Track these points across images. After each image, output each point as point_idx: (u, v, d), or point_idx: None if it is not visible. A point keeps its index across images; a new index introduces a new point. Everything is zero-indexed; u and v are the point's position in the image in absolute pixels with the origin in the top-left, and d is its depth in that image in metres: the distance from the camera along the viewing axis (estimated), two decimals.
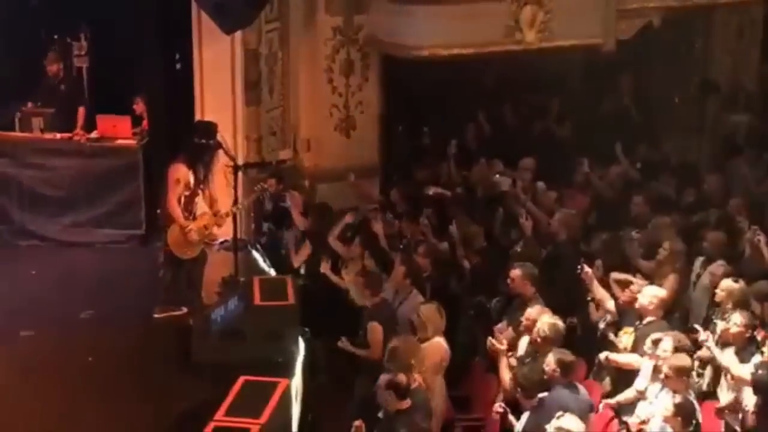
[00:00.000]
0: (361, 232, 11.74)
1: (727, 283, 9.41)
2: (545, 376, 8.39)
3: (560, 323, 8.95)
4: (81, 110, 13.23)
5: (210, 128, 11.06)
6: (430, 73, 14.08)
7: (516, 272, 9.89)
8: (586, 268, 9.80)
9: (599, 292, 9.78)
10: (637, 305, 9.38)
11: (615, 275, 10.03)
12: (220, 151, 10.99)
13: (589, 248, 10.78)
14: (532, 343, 8.99)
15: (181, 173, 10.73)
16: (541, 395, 8.20)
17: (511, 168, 13.12)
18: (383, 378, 8.11)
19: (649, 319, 9.24)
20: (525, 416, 8.21)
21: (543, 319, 8.94)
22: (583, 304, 9.98)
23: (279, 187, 12.41)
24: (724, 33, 15.60)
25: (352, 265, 10.94)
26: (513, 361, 8.99)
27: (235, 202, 11.07)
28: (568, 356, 8.53)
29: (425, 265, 10.68)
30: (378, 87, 13.68)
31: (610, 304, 9.70)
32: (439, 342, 9.05)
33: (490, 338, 9.23)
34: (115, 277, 11.89)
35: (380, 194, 13.30)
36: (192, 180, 10.77)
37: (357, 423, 7.82)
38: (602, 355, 9.33)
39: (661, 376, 8.43)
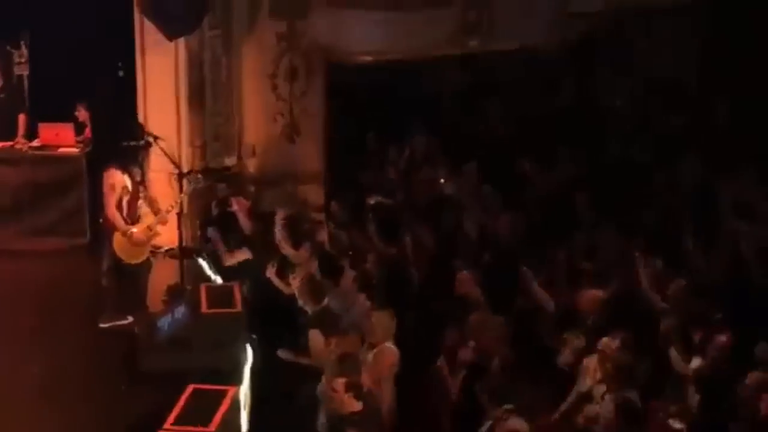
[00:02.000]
0: (309, 238, 11.76)
1: (678, 281, 9.53)
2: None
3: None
4: (21, 118, 13.13)
5: (136, 129, 11.04)
6: (374, 79, 14.11)
7: (464, 275, 9.92)
8: (525, 269, 9.87)
9: (539, 293, 9.84)
10: (580, 307, 9.44)
11: None
12: (162, 156, 10.96)
13: (535, 251, 10.86)
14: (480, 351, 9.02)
15: (115, 179, 10.71)
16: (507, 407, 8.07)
17: (455, 173, 13.19)
18: (340, 381, 8.11)
19: (593, 319, 9.30)
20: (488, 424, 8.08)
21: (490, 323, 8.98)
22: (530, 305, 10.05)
23: (229, 191, 12.42)
24: (665, 34, 15.78)
25: (299, 270, 10.92)
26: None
27: (180, 204, 11.03)
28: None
29: (374, 272, 10.70)
30: (322, 93, 13.63)
31: (550, 306, 9.77)
32: (390, 347, 9.05)
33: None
34: (60, 286, 11.79)
35: (325, 200, 13.33)
36: (129, 183, 10.72)
37: None
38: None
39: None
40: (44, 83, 13.52)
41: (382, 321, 9.14)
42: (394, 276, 10.86)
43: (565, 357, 9.30)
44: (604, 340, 8.76)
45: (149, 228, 10.82)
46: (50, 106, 13.22)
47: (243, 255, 11.50)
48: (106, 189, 10.74)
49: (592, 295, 9.42)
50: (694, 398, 8.52)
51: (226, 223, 12.39)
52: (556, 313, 9.74)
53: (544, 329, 9.76)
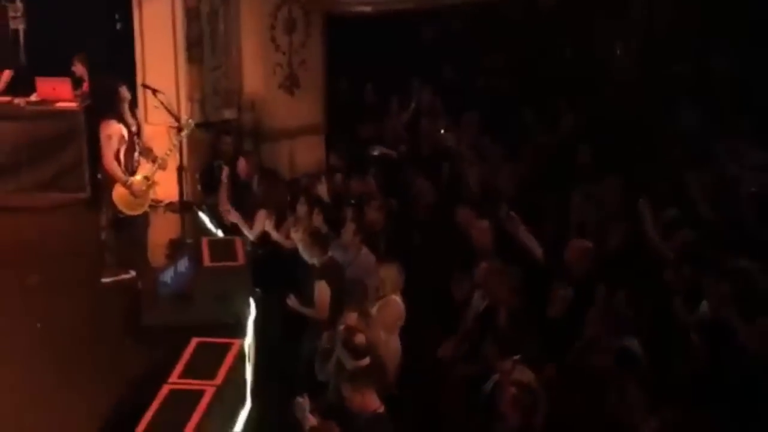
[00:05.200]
0: (307, 192, 11.74)
1: (685, 231, 9.51)
2: None
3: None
4: (6, 73, 13.05)
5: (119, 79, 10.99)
6: (373, 30, 14.02)
7: (482, 224, 9.86)
8: (513, 214, 9.83)
9: (527, 238, 9.79)
10: (565, 258, 9.41)
11: None
12: (161, 110, 10.88)
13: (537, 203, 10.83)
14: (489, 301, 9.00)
15: (112, 129, 10.59)
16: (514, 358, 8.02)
17: (455, 124, 13.15)
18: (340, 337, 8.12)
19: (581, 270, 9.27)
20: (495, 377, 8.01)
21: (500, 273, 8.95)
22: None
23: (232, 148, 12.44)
24: None
25: (300, 224, 10.90)
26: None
27: (180, 160, 10.97)
28: None
29: (378, 220, 10.67)
30: (321, 44, 13.55)
31: (538, 252, 9.74)
32: (396, 300, 9.05)
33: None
34: (61, 241, 11.73)
35: (325, 152, 13.30)
36: (126, 133, 10.64)
37: (300, 400, 7.76)
38: None
39: None
40: (41, 37, 13.41)
41: (391, 274, 9.14)
42: (396, 228, 10.85)
43: (554, 308, 9.29)
44: (604, 290, 8.76)
45: (147, 178, 10.74)
46: (47, 61, 13.12)
47: (262, 222, 11.44)
48: (103, 140, 10.64)
49: (579, 246, 9.36)
50: (698, 348, 8.53)
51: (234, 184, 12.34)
52: (546, 262, 9.69)
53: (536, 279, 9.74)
